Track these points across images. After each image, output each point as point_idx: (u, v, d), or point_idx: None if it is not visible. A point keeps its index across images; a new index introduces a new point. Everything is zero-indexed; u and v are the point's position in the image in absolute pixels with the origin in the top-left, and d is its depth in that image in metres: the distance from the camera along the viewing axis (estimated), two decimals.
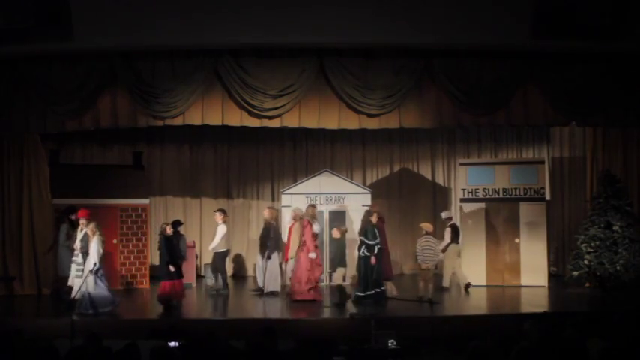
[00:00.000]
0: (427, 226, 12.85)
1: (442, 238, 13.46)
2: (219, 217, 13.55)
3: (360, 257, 12.22)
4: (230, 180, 16.59)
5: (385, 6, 10.97)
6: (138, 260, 14.08)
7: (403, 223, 16.10)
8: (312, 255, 12.12)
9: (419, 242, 12.66)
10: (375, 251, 12.01)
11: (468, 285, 13.11)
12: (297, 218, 12.68)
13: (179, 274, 12.03)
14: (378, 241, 12.12)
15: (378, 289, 12.03)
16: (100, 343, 6.52)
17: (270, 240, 13.11)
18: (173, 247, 12.14)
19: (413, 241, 13.13)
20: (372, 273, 11.98)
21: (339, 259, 12.55)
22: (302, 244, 12.28)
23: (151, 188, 15.58)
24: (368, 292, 11.97)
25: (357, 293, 12.05)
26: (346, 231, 12.81)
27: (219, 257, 13.45)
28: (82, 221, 11.63)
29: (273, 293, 12.96)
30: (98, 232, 11.25)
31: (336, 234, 12.60)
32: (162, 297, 11.75)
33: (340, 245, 12.63)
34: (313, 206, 13.03)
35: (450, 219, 13.74)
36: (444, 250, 13.23)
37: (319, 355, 6.59)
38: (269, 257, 13.01)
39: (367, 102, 11.75)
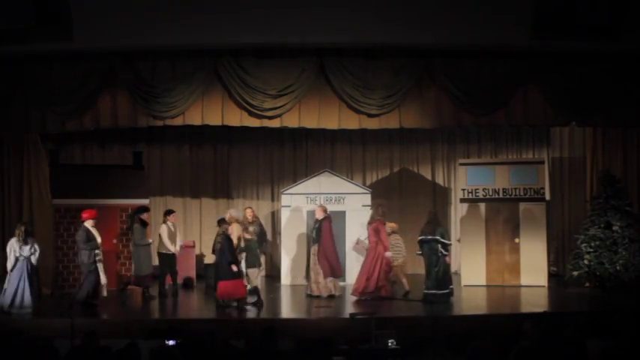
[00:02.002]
0: (393, 226, 13.00)
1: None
2: (171, 218, 13.50)
3: (432, 256, 12.21)
4: (230, 180, 16.59)
5: (385, 6, 10.97)
6: None
7: (403, 223, 16.07)
8: (389, 254, 12.47)
9: (390, 241, 12.75)
10: (450, 251, 12.51)
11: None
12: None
13: (240, 274, 12.01)
14: (451, 242, 12.85)
15: (450, 288, 12.25)
16: (98, 343, 6.53)
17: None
18: (234, 247, 12.04)
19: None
20: (447, 272, 12.32)
21: (254, 259, 12.33)
22: (375, 243, 12.42)
23: (151, 188, 15.57)
24: (444, 291, 12.09)
25: (432, 292, 12.08)
26: (255, 232, 12.78)
27: (166, 259, 13.23)
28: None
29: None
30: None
31: (247, 235, 12.44)
32: (224, 297, 11.66)
33: (253, 246, 12.47)
34: (381, 204, 13.01)
35: None
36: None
37: (319, 355, 6.60)
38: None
39: (367, 102, 11.75)
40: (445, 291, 12.10)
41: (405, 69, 11.77)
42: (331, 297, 12.63)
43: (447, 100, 11.90)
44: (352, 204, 14.59)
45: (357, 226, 14.16)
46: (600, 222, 13.08)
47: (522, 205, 13.89)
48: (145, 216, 13.05)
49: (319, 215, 12.97)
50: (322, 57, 11.66)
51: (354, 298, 12.46)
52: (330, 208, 14.46)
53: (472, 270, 13.88)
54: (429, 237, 12.28)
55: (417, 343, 8.59)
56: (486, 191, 14.07)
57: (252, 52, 11.63)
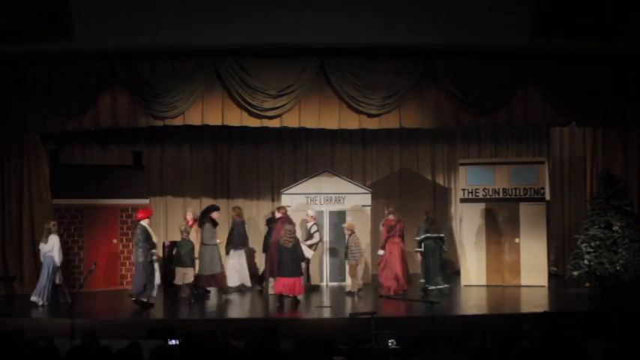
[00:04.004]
0: (351, 226, 13.11)
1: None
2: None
3: (437, 253, 12.84)
4: (230, 180, 16.58)
5: (385, 6, 10.98)
6: None
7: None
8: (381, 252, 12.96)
9: (348, 241, 12.93)
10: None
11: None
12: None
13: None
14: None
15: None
16: (98, 343, 6.53)
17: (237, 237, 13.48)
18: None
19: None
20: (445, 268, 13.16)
21: (190, 260, 12.38)
22: (394, 241, 12.79)
23: (151, 188, 15.58)
24: (447, 285, 12.79)
25: (445, 287, 12.76)
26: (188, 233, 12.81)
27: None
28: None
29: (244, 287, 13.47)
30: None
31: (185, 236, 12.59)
32: (284, 293, 11.84)
33: (189, 246, 12.50)
34: (391, 204, 13.52)
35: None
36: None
37: (319, 355, 6.59)
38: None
39: (367, 102, 11.76)
40: (441, 286, 12.69)
41: (405, 69, 11.77)
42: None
43: (447, 100, 11.91)
44: (352, 204, 14.59)
45: (357, 226, 14.15)
46: (600, 222, 13.07)
47: (522, 205, 13.89)
48: (214, 215, 13.02)
49: (277, 215, 13.29)
50: (322, 57, 11.66)
51: (355, 296, 12.70)
52: (330, 208, 14.51)
53: (472, 270, 13.88)
54: (435, 235, 12.88)
55: (417, 343, 8.59)
56: (486, 191, 14.07)
57: (252, 52, 11.63)
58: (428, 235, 12.90)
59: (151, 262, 11.80)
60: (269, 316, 11.47)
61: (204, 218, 12.94)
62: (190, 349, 6.28)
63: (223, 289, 12.84)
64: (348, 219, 13.68)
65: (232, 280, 13.34)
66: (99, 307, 12.15)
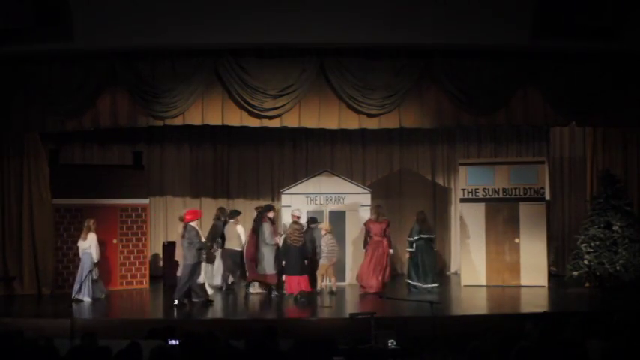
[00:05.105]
0: (326, 226, 13.21)
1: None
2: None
3: (429, 252, 13.30)
4: (230, 180, 16.58)
5: (385, 6, 10.98)
6: (138, 260, 14.07)
7: (403, 223, 16.07)
8: (392, 251, 13.35)
9: (324, 241, 12.96)
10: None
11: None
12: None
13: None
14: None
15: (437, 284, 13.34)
16: (97, 342, 6.52)
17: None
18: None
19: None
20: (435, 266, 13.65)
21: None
22: (379, 240, 12.94)
23: (151, 188, 15.58)
24: (435, 284, 13.19)
25: (435, 285, 13.14)
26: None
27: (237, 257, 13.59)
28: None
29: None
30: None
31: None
32: (294, 291, 12.24)
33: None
34: (380, 205, 13.72)
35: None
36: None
37: (319, 355, 6.59)
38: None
39: (367, 102, 11.76)
40: (435, 284, 13.14)
41: (405, 69, 11.77)
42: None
43: (446, 100, 11.91)
44: (352, 204, 14.59)
45: (357, 226, 14.18)
46: (600, 222, 13.07)
47: (522, 205, 13.88)
48: (271, 214, 13.15)
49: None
50: (322, 57, 11.66)
51: (359, 294, 12.90)
52: (330, 208, 14.51)
53: (472, 270, 13.87)
54: (426, 235, 13.20)
55: (417, 343, 8.59)
56: (486, 191, 14.06)
57: (252, 52, 11.63)
58: (421, 235, 13.19)
59: (200, 263, 12.05)
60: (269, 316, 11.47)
61: (262, 219, 13.06)
62: (190, 349, 6.27)
63: (273, 288, 12.94)
64: (326, 220, 13.94)
65: (216, 280, 13.66)
66: (99, 307, 12.14)
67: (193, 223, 11.99)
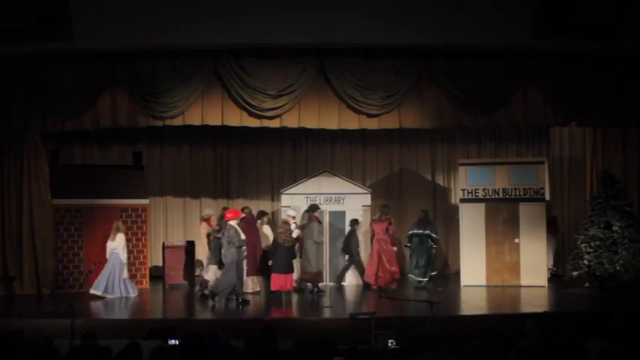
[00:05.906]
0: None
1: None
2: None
3: (421, 248, 13.67)
4: (230, 180, 16.59)
5: (385, 6, 10.98)
6: (138, 260, 14.07)
7: (403, 224, 16.07)
8: (396, 249, 13.75)
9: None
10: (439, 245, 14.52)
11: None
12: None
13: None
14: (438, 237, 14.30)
15: (431, 275, 13.83)
16: (96, 342, 6.51)
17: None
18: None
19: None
20: (432, 262, 14.00)
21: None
22: (382, 239, 13.32)
23: (151, 188, 15.57)
24: (425, 279, 13.61)
25: (423, 280, 13.60)
26: None
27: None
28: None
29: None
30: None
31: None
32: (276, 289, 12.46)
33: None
34: (386, 205, 14.05)
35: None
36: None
37: (319, 355, 6.58)
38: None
39: (367, 102, 11.76)
40: (426, 279, 13.60)
41: (405, 69, 11.77)
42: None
43: (446, 100, 11.91)
44: (352, 204, 14.58)
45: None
46: (600, 222, 13.06)
47: (522, 205, 13.88)
48: (317, 213, 13.49)
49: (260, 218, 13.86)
50: (322, 57, 11.66)
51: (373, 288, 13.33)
52: (330, 208, 14.51)
53: (472, 270, 13.86)
54: (420, 231, 13.67)
55: (417, 343, 8.58)
56: (486, 191, 14.06)
57: (252, 52, 11.63)
58: (414, 231, 13.82)
59: (242, 261, 12.17)
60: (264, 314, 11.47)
61: (310, 218, 13.39)
62: (190, 349, 6.27)
63: (317, 285, 13.23)
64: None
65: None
66: (99, 307, 12.14)
67: (233, 222, 11.97)
